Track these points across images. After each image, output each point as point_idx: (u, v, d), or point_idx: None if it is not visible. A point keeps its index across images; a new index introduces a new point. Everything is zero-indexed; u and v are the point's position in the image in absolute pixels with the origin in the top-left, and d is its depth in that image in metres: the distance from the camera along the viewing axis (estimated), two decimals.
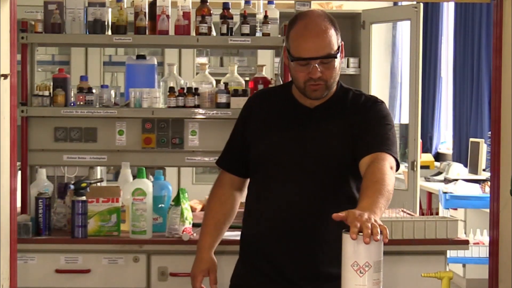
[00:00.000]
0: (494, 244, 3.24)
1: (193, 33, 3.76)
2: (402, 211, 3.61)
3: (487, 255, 3.45)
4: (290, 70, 2.56)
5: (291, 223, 2.54)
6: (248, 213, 2.67)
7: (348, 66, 6.19)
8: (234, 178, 2.74)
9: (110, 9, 3.71)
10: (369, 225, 2.00)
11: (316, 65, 2.47)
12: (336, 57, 2.49)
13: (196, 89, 3.73)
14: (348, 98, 2.61)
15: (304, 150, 2.55)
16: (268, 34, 3.68)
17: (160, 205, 3.36)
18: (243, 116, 2.73)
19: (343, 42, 2.57)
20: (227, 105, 3.66)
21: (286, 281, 2.56)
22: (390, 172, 2.40)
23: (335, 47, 2.49)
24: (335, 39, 2.50)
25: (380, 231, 2.00)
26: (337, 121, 2.57)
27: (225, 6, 3.73)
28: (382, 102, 2.63)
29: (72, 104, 3.70)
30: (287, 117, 2.61)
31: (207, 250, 2.73)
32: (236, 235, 2.98)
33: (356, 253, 1.98)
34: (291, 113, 2.61)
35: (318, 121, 2.58)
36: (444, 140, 8.39)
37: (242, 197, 2.79)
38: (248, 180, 2.73)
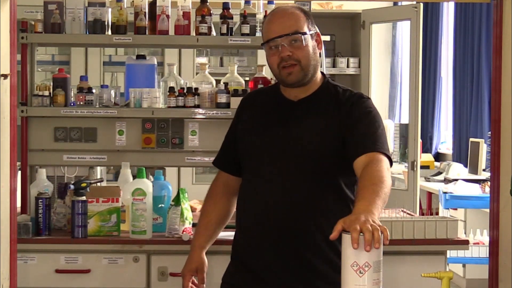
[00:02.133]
0: (494, 244, 3.24)
1: (193, 33, 3.76)
2: (402, 211, 3.61)
3: (487, 255, 3.46)
4: (267, 60, 2.60)
5: (278, 221, 2.54)
6: (238, 212, 2.69)
7: (348, 66, 6.19)
8: (229, 178, 2.75)
9: (110, 9, 3.71)
10: (369, 227, 2.00)
11: (285, 44, 2.51)
12: (303, 34, 2.52)
13: (196, 89, 3.73)
14: (333, 93, 2.61)
15: (287, 145, 2.55)
16: None
17: (160, 205, 3.36)
18: (236, 116, 2.76)
19: (319, 33, 2.61)
20: (227, 105, 3.66)
21: (276, 279, 2.56)
22: (388, 174, 2.40)
23: (304, 28, 2.53)
24: (303, 22, 2.55)
25: (381, 232, 2.00)
26: (320, 115, 2.57)
27: (225, 6, 3.73)
28: (368, 98, 2.64)
29: (72, 104, 3.71)
30: (272, 113, 2.63)
31: (197, 250, 2.75)
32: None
33: (355, 253, 1.98)
34: (276, 108, 2.63)
35: (301, 115, 2.58)
36: (444, 140, 8.39)
37: (235, 197, 2.79)
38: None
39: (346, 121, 2.53)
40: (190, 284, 2.75)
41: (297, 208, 2.53)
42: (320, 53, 2.64)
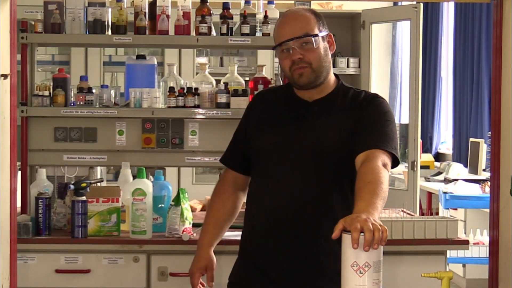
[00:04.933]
0: (494, 244, 3.24)
1: (193, 33, 3.76)
2: (402, 211, 3.61)
3: (487, 255, 3.45)
4: (279, 63, 2.61)
5: (291, 221, 2.54)
6: (247, 210, 2.68)
7: (348, 66, 6.19)
8: (237, 176, 2.75)
9: (110, 9, 3.71)
10: (370, 226, 2.00)
11: (296, 47, 2.52)
12: (314, 37, 2.52)
13: (196, 89, 3.73)
14: (348, 94, 2.62)
15: (300, 145, 2.55)
16: (268, 34, 3.68)
17: (160, 205, 3.36)
18: (246, 114, 2.76)
19: (331, 35, 2.60)
20: (227, 105, 3.66)
21: (287, 279, 2.56)
22: (383, 170, 2.39)
23: (315, 30, 2.54)
24: (314, 24, 2.55)
25: (381, 232, 2.00)
26: (335, 116, 2.58)
27: (225, 6, 3.73)
28: (383, 98, 2.63)
29: (72, 104, 3.71)
30: (285, 112, 2.63)
31: (205, 248, 2.74)
32: (235, 235, 2.98)
33: (355, 253, 1.98)
34: (290, 108, 2.63)
35: (316, 115, 2.58)
36: (444, 140, 8.39)
37: (245, 196, 2.79)
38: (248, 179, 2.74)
39: (358, 121, 2.54)
40: (201, 281, 2.74)
41: (311, 208, 2.53)
42: (332, 54, 2.64)
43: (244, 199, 2.80)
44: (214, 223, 2.75)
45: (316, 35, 2.53)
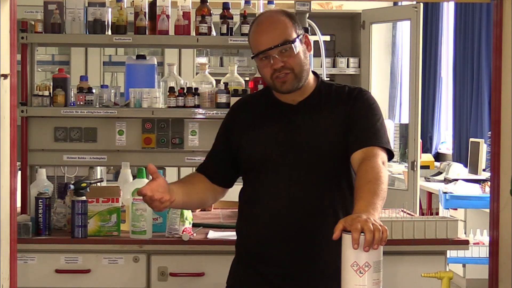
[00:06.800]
0: (494, 244, 3.24)
1: (193, 33, 3.76)
2: (402, 211, 3.61)
3: (487, 255, 3.45)
4: (258, 70, 2.58)
5: (285, 222, 2.52)
6: (241, 216, 2.65)
7: (348, 66, 6.20)
8: (215, 187, 2.69)
9: (110, 9, 3.72)
10: (371, 226, 2.00)
11: (276, 55, 2.47)
12: (293, 42, 2.48)
13: (196, 89, 3.73)
14: (331, 91, 2.60)
15: (291, 147, 2.53)
16: None
17: None
18: (226, 123, 2.70)
19: (306, 34, 2.58)
20: (227, 105, 3.66)
21: (282, 280, 2.55)
22: (383, 168, 2.39)
23: (292, 35, 2.49)
24: (291, 28, 2.50)
25: (381, 233, 2.01)
26: (322, 114, 2.56)
27: (225, 6, 3.73)
28: (367, 91, 2.63)
29: (72, 104, 3.71)
30: (273, 118, 2.59)
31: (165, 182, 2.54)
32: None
33: (356, 253, 1.98)
34: (275, 113, 2.59)
35: (303, 117, 2.56)
36: (444, 140, 8.39)
37: (221, 196, 2.73)
38: (224, 191, 2.70)
39: (348, 117, 2.53)
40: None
41: (309, 209, 2.52)
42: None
43: (220, 198, 2.73)
44: (188, 190, 2.61)
45: (295, 40, 2.49)
